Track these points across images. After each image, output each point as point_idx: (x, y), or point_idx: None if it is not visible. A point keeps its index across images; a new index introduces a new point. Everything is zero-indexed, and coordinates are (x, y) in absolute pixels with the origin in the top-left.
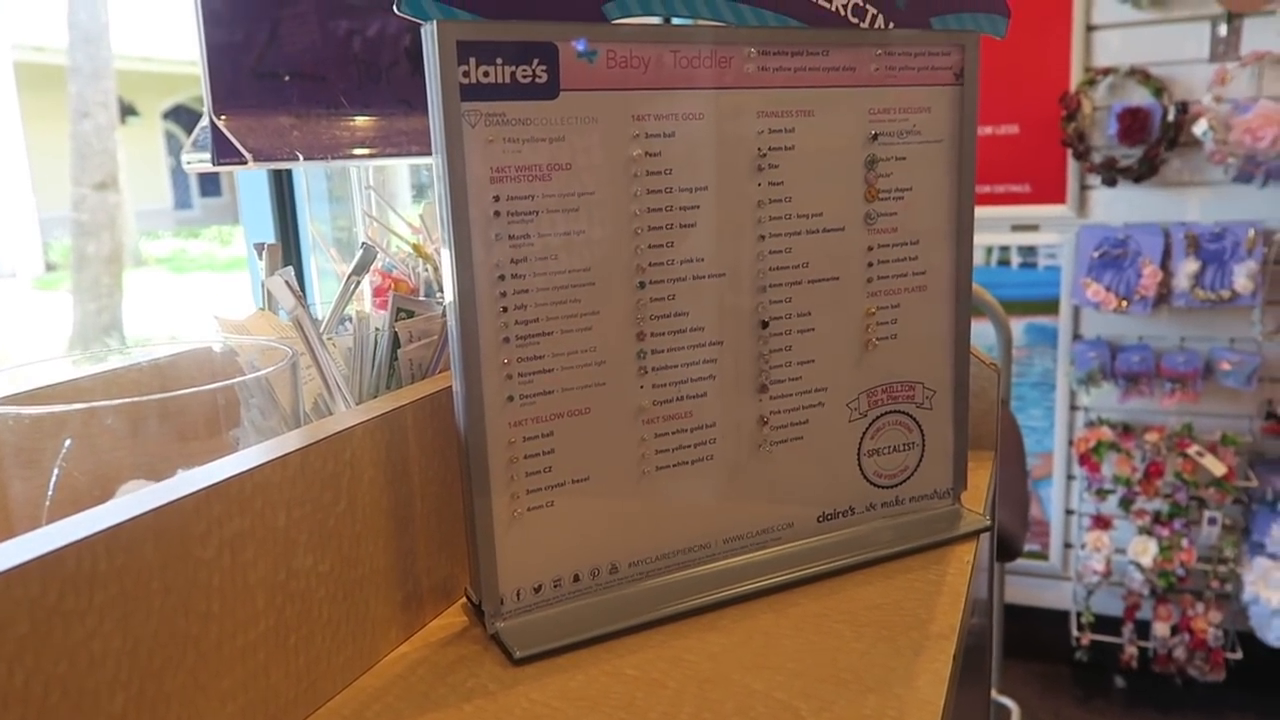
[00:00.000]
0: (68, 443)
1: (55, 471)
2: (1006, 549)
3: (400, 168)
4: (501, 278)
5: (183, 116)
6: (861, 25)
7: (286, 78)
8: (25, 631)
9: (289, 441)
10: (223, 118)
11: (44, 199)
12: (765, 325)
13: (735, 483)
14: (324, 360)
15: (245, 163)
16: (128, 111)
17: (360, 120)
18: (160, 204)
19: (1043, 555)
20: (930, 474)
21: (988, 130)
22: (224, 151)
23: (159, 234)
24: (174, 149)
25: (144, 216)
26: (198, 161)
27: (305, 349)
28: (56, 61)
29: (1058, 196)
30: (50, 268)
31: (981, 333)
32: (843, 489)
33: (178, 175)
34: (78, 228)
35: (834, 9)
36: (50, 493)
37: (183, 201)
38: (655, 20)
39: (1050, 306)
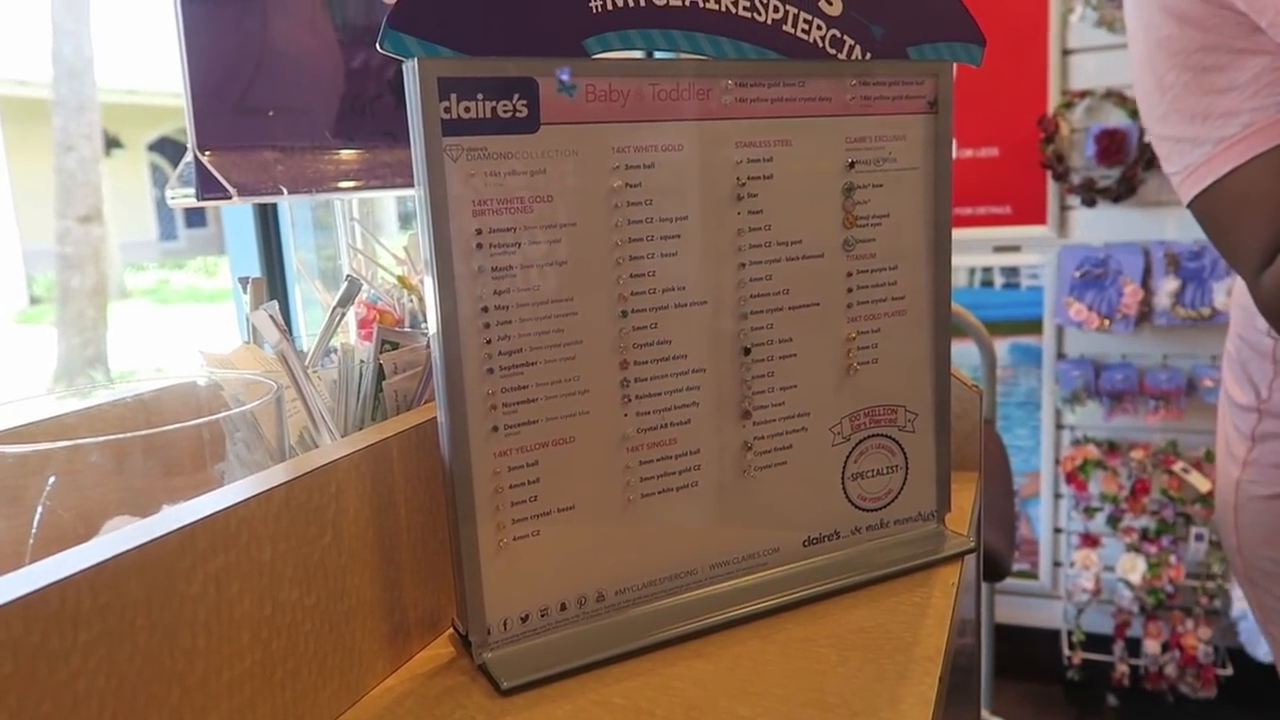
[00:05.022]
0: (52, 480)
1: (39, 509)
2: (994, 569)
3: (386, 196)
4: (485, 309)
5: (168, 148)
6: (840, 56)
7: (270, 113)
8: (9, 672)
9: (274, 476)
10: (207, 153)
11: (27, 232)
12: (747, 351)
13: (721, 508)
14: (309, 393)
15: (230, 198)
16: (112, 144)
17: (344, 153)
18: (145, 236)
19: (1032, 574)
20: (914, 496)
21: (968, 153)
22: (208, 187)
23: (144, 266)
24: (159, 181)
25: (129, 248)
26: (182, 197)
27: (290, 382)
28: (40, 95)
29: (1038, 217)
30: (34, 301)
31: (966, 353)
32: (827, 513)
33: (163, 207)
34: (62, 261)
35: (812, 40)
36: (34, 530)
37: (168, 233)
38: (635, 54)
39: (1034, 326)
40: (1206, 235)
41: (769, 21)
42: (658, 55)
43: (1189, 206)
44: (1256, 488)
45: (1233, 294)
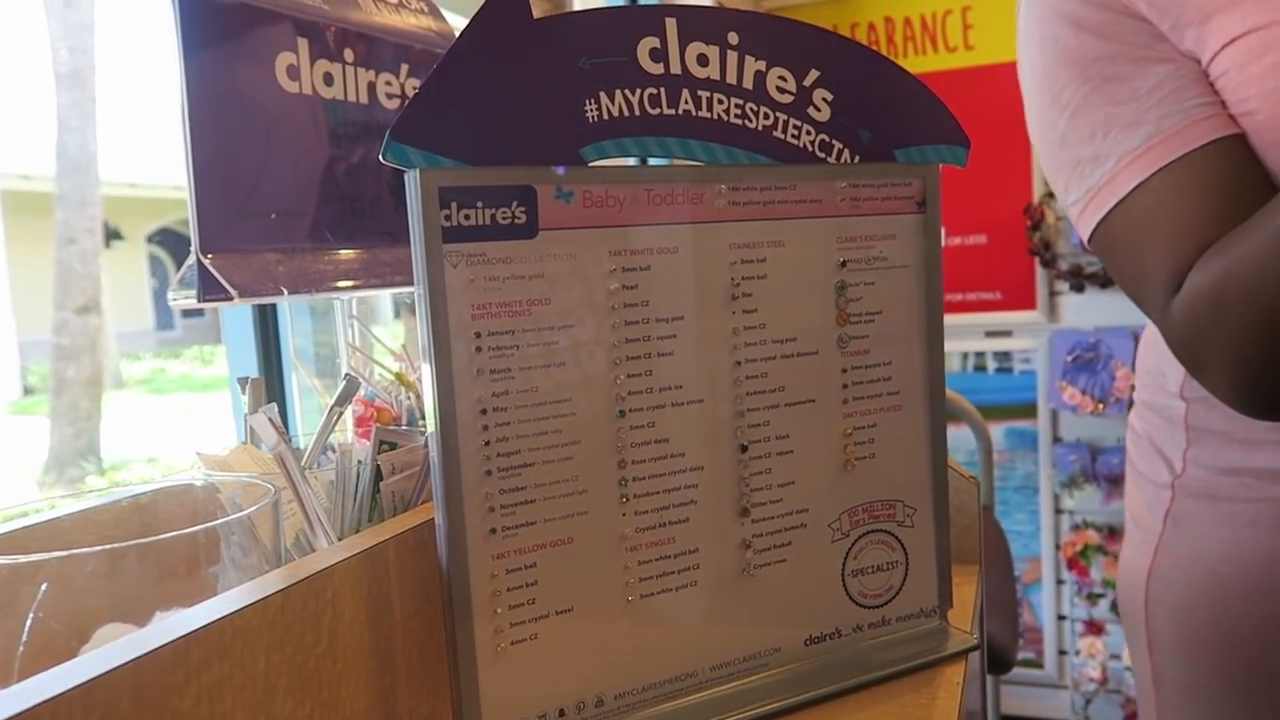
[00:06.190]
0: (44, 587)
1: (30, 617)
2: (998, 661)
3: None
4: (483, 411)
5: (168, 240)
6: (829, 160)
7: (272, 215)
8: None
9: (270, 583)
10: (209, 256)
11: (24, 323)
12: (745, 449)
13: (720, 608)
14: (306, 496)
15: (231, 299)
16: (112, 235)
17: (344, 253)
18: (142, 325)
19: (1038, 663)
20: (915, 592)
21: (956, 240)
22: (210, 289)
23: (140, 355)
24: (158, 271)
25: (125, 338)
26: (184, 299)
27: (287, 484)
28: (43, 189)
29: (1028, 303)
30: (28, 391)
31: (961, 438)
32: (829, 611)
33: (160, 297)
34: (58, 351)
35: (802, 145)
36: (24, 637)
37: (165, 322)
38: (631, 160)
39: (1029, 410)
40: (1110, 270)
41: (760, 128)
42: (652, 161)
43: (1090, 241)
44: (1171, 584)
45: (1138, 357)
